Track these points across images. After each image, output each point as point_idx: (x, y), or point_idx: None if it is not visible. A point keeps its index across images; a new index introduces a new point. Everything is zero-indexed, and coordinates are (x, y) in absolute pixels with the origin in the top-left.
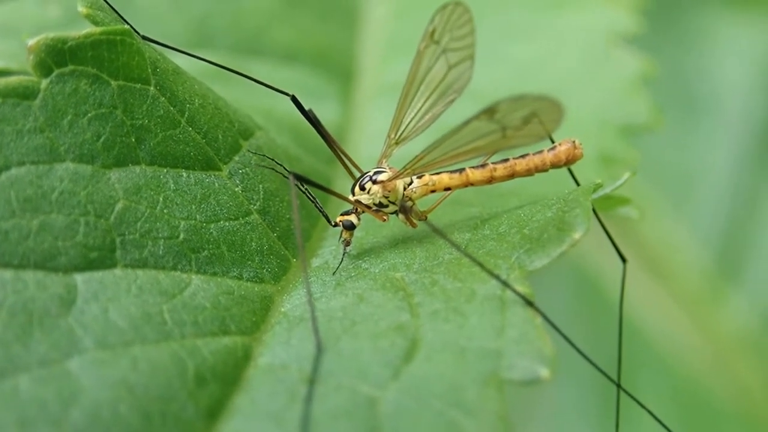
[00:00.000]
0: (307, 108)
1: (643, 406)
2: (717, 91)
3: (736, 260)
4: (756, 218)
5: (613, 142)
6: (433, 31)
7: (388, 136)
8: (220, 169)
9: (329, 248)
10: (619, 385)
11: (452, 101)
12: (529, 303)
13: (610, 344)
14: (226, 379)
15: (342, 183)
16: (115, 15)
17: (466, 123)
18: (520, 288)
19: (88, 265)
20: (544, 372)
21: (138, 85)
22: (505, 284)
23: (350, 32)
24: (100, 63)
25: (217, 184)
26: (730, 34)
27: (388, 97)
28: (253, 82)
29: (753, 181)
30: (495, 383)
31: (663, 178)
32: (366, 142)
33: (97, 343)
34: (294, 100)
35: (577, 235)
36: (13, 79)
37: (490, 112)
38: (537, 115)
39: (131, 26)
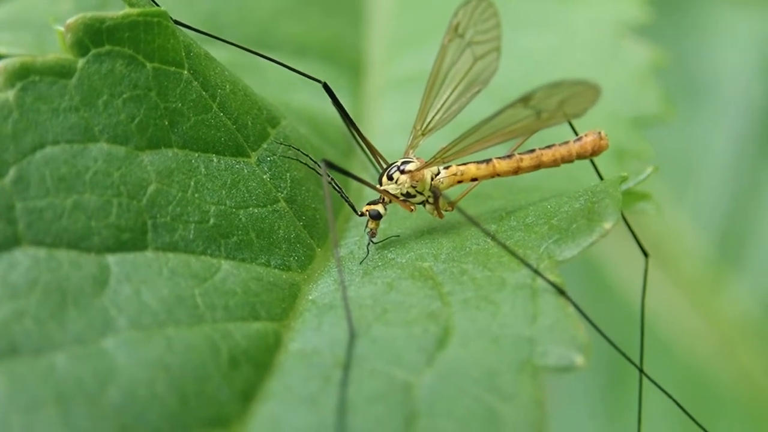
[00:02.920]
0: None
1: (666, 393)
2: (717, 77)
3: (737, 246)
4: (757, 204)
5: (626, 134)
6: (457, 25)
7: (414, 127)
8: (249, 156)
9: (353, 239)
10: (641, 370)
11: (478, 92)
12: (561, 292)
13: (614, 331)
14: (258, 363)
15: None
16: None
17: (501, 112)
18: (551, 277)
19: (121, 247)
20: (579, 359)
21: (172, 68)
22: (537, 273)
23: (357, 26)
24: (136, 44)
25: (246, 171)
26: (729, 20)
27: (398, 90)
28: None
29: (753, 167)
30: (530, 369)
31: (664, 165)
32: (378, 136)
33: (131, 323)
34: (326, 87)
35: (607, 225)
36: (50, 57)
37: (525, 99)
38: (573, 97)
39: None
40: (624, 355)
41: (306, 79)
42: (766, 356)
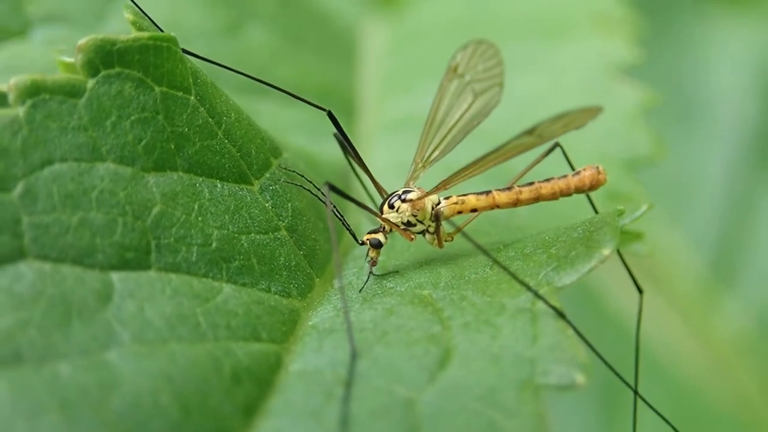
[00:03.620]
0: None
1: (660, 415)
2: (711, 96)
3: (731, 265)
4: (750, 223)
5: (618, 176)
6: (456, 67)
7: (415, 161)
8: (251, 184)
9: (351, 270)
10: (637, 392)
11: (479, 124)
12: (561, 315)
13: (609, 352)
14: (260, 380)
15: (354, 214)
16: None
17: (505, 145)
18: (551, 302)
19: (124, 265)
20: (579, 378)
21: (180, 93)
22: (538, 296)
23: (350, 69)
24: (145, 67)
25: (248, 198)
26: (723, 39)
27: (390, 133)
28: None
29: (747, 187)
30: (531, 387)
31: (658, 184)
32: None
33: (134, 337)
34: (330, 115)
35: (606, 251)
36: (61, 77)
37: (530, 131)
38: (575, 120)
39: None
40: (621, 378)
41: (300, 122)
42: (760, 375)
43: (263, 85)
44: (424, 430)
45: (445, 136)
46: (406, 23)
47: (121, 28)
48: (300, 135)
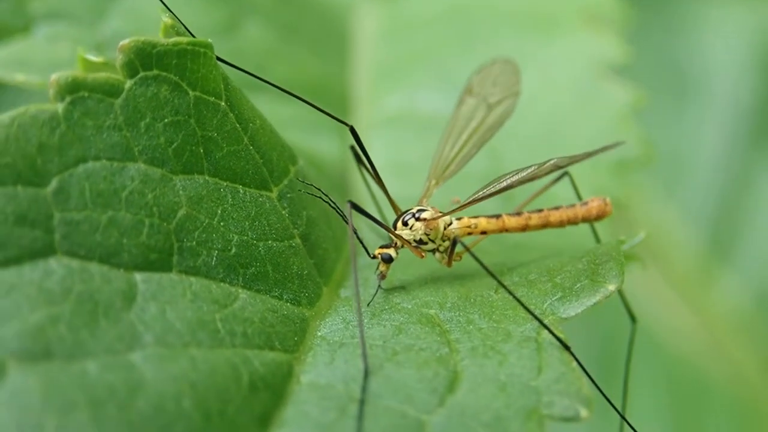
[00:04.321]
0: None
1: None
2: (707, 73)
3: (727, 241)
4: (747, 199)
5: (607, 179)
6: (471, 88)
7: (429, 179)
8: (271, 190)
9: (353, 282)
10: (624, 418)
11: (491, 137)
12: (566, 347)
13: (604, 327)
14: (275, 390)
15: (357, 220)
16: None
17: (530, 177)
18: (556, 332)
19: (148, 266)
20: (584, 412)
21: (212, 99)
22: (546, 327)
23: (342, 60)
24: (182, 72)
25: (267, 205)
26: (718, 16)
27: (385, 129)
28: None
29: (743, 163)
30: (536, 418)
31: (654, 161)
32: (369, 177)
33: (157, 340)
34: (352, 130)
35: (611, 287)
36: (100, 75)
37: (559, 165)
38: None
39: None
40: (616, 409)
41: (296, 118)
42: (757, 351)
43: (257, 82)
44: None
45: (460, 151)
46: (399, 12)
47: (120, 26)
48: (297, 131)
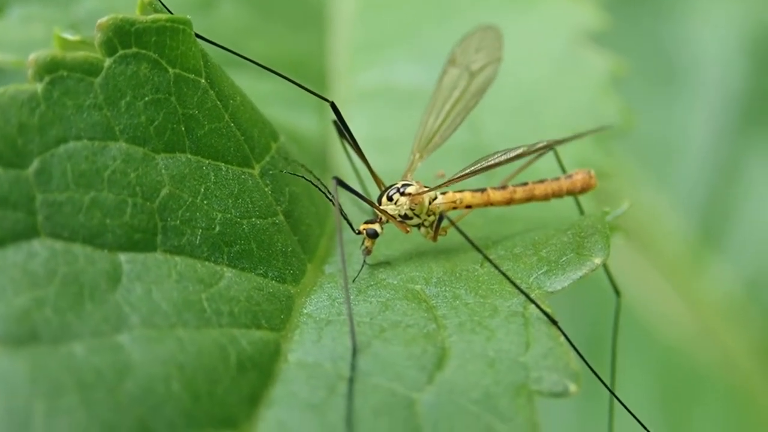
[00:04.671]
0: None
1: (633, 415)
2: (696, 60)
3: (718, 228)
4: (737, 186)
5: (589, 149)
6: (454, 59)
7: (413, 152)
8: (253, 167)
9: (339, 257)
10: (612, 392)
11: (474, 105)
12: (554, 322)
13: (591, 312)
14: (262, 369)
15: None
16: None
17: (521, 155)
18: (543, 307)
19: (132, 246)
20: (572, 387)
21: (192, 76)
22: (533, 302)
23: (320, 36)
24: (161, 49)
25: (250, 182)
26: (707, 3)
27: (364, 104)
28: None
29: (733, 149)
30: (526, 394)
31: (644, 148)
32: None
33: (143, 321)
34: (333, 106)
35: (597, 260)
36: (79, 54)
37: (549, 146)
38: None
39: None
40: (609, 389)
41: (275, 94)
42: (747, 338)
43: (234, 58)
44: (424, 430)
45: (443, 121)
46: None
47: (95, 6)
48: (276, 107)
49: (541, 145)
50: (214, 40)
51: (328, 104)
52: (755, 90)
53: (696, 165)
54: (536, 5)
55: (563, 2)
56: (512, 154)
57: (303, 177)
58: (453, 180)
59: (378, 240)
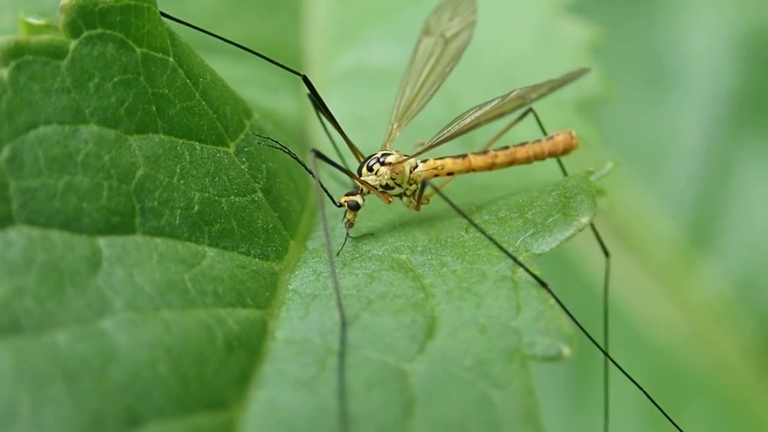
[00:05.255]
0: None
1: (632, 380)
2: (686, 60)
3: (708, 229)
4: (727, 187)
5: (571, 118)
6: (428, 28)
7: (390, 122)
8: (228, 146)
9: (322, 231)
10: (616, 363)
11: (450, 71)
12: (543, 284)
13: (578, 311)
14: (250, 348)
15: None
16: None
17: (494, 107)
18: (532, 270)
19: (111, 230)
20: (566, 350)
21: (159, 55)
22: (521, 265)
23: (296, 24)
24: (127, 29)
25: (226, 160)
26: (697, 4)
27: (341, 85)
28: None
29: (723, 151)
30: (519, 359)
31: (633, 149)
32: (323, 133)
33: (127, 305)
34: (305, 80)
35: (584, 220)
36: (44, 38)
37: (521, 96)
38: (561, 83)
39: None
40: (601, 349)
41: (251, 78)
42: (738, 340)
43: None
44: (419, 401)
45: (420, 89)
46: None
47: None
48: (252, 91)
49: (514, 95)
50: (182, 22)
51: (304, 86)
52: (745, 91)
53: (686, 166)
54: None
55: None
56: (487, 108)
57: (281, 148)
58: (433, 145)
59: (360, 212)
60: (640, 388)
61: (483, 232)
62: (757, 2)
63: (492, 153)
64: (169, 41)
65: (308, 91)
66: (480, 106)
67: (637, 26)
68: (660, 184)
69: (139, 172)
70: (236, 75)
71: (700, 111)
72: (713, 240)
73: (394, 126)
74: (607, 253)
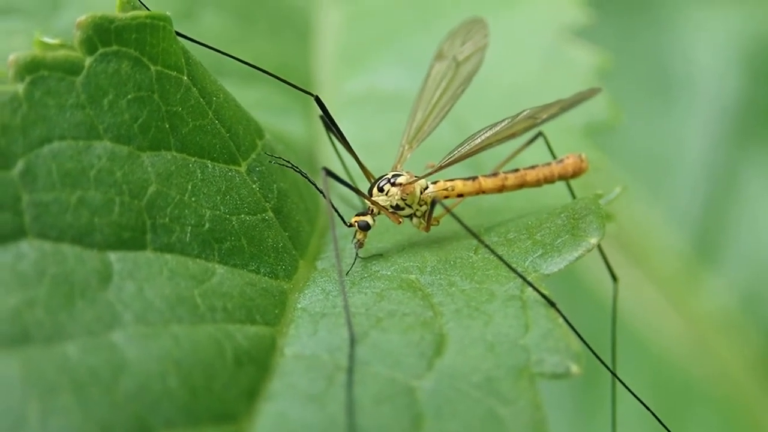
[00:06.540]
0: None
1: (638, 399)
2: (691, 73)
3: (713, 241)
4: (732, 199)
5: (578, 142)
6: (441, 53)
7: (402, 144)
8: (239, 165)
9: (332, 252)
10: (616, 375)
11: (461, 93)
12: (552, 304)
13: (584, 325)
14: (260, 364)
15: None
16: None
17: (504, 134)
18: (540, 289)
19: (122, 245)
20: (574, 367)
21: (174, 73)
22: (530, 284)
23: (305, 48)
24: (142, 46)
25: (237, 179)
26: (702, 16)
27: (350, 109)
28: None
29: (728, 163)
30: (527, 376)
31: (638, 161)
32: (333, 156)
33: (137, 318)
34: (317, 100)
35: (593, 240)
36: (60, 54)
37: (531, 116)
38: (572, 103)
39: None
40: (611, 370)
41: (260, 101)
42: (743, 352)
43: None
44: (427, 416)
45: (431, 111)
46: (361, 4)
47: (74, 18)
48: (262, 114)
49: (524, 114)
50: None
51: (315, 109)
52: (751, 102)
53: (691, 178)
54: (519, 3)
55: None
56: (498, 128)
57: (293, 167)
58: (443, 165)
59: (369, 233)
60: (648, 409)
61: (493, 251)
62: (762, 15)
63: (502, 175)
64: (183, 60)
65: (320, 112)
66: (490, 127)
67: (643, 39)
68: (665, 197)
69: (151, 189)
70: (245, 98)
71: (706, 124)
72: (718, 252)
73: (405, 148)
74: (615, 278)
